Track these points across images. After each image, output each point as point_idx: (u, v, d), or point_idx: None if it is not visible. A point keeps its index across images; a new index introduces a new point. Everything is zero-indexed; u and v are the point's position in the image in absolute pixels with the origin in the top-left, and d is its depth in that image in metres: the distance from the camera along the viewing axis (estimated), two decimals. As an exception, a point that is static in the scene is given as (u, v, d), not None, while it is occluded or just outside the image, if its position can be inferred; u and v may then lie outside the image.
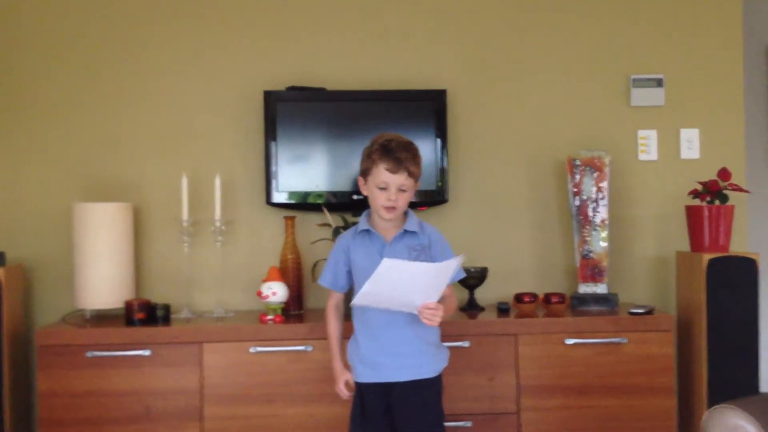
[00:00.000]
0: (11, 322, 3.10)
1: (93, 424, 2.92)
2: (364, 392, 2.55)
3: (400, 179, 2.49)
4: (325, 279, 2.66)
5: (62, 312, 3.31)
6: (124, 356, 2.93)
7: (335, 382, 2.64)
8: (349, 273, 2.62)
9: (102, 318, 3.20)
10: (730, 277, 3.09)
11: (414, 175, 2.52)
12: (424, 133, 3.32)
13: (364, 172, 2.56)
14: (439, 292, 2.42)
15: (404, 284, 2.36)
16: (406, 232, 2.56)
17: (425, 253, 2.55)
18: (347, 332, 2.65)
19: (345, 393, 2.62)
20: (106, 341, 2.93)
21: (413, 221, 2.58)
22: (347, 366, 2.63)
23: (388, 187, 2.49)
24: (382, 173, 2.49)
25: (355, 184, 3.25)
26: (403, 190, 2.51)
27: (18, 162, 3.41)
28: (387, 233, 2.57)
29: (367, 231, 2.57)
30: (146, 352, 2.93)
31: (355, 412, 2.57)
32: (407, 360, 2.50)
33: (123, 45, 3.44)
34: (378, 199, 2.51)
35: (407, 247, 2.55)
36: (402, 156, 2.49)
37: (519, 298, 3.19)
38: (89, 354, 2.92)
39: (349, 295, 2.67)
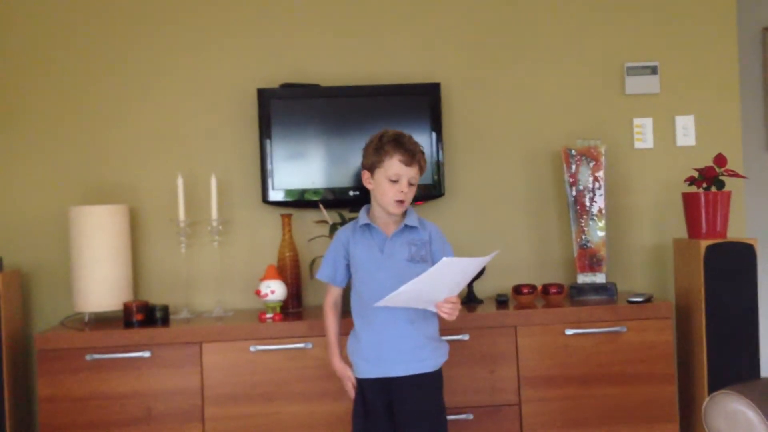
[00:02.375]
0: (10, 327, 3.09)
1: (94, 427, 2.92)
2: (365, 388, 2.56)
3: (412, 172, 2.52)
4: (323, 273, 2.65)
5: (61, 316, 3.32)
6: (123, 358, 2.93)
7: (342, 382, 2.65)
8: (348, 267, 2.62)
9: (101, 321, 3.20)
10: (728, 263, 3.09)
11: (422, 170, 2.56)
12: (419, 127, 3.32)
13: (372, 166, 2.55)
14: (463, 287, 2.46)
15: (444, 280, 2.38)
16: (406, 227, 2.56)
17: (425, 249, 2.56)
18: (347, 328, 2.65)
19: (353, 394, 2.62)
20: (106, 344, 2.93)
21: (413, 217, 2.58)
22: (346, 363, 2.63)
23: (400, 180, 2.50)
24: (395, 165, 2.50)
25: (352, 180, 3.28)
26: (412, 184, 2.53)
27: (13, 167, 3.40)
28: (387, 228, 2.57)
29: (368, 226, 2.57)
30: (146, 354, 2.93)
31: (357, 407, 2.58)
32: (407, 355, 2.51)
33: (115, 48, 3.43)
34: (388, 193, 2.51)
35: (408, 243, 2.55)
36: (415, 149, 2.53)
37: (518, 289, 3.19)
38: (89, 357, 2.91)
39: (347, 290, 2.67)
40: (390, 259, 2.53)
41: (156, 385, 2.93)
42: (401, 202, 2.51)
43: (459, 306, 2.46)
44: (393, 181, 2.50)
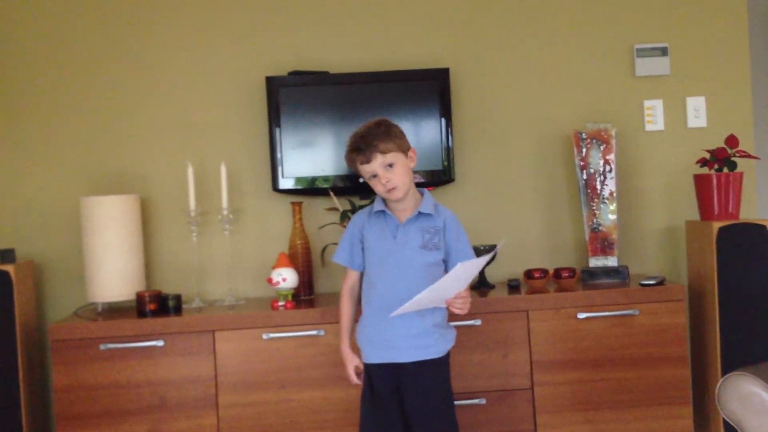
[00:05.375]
0: (24, 318, 3.11)
1: (109, 416, 2.94)
2: (372, 373, 2.57)
3: (377, 161, 2.48)
4: (340, 257, 2.65)
5: (74, 306, 3.33)
6: (137, 347, 2.94)
7: (345, 367, 2.65)
8: (364, 251, 2.62)
9: (114, 310, 3.22)
10: (741, 244, 3.07)
11: (388, 150, 2.48)
12: (428, 113, 3.31)
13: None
14: (471, 281, 2.45)
15: (457, 281, 2.38)
16: (420, 214, 2.55)
17: (438, 236, 2.55)
18: (358, 315, 2.66)
19: (354, 379, 2.63)
20: (119, 333, 2.94)
21: (428, 203, 2.57)
22: (356, 349, 2.64)
23: (375, 174, 2.50)
24: (361, 169, 2.52)
25: (361, 166, 3.28)
26: (390, 165, 2.49)
27: (24, 159, 3.41)
28: (401, 215, 2.57)
29: (383, 212, 2.58)
30: (159, 343, 2.94)
31: (365, 393, 2.59)
32: (414, 341, 2.51)
33: (123, 38, 3.43)
34: (376, 188, 2.53)
35: (420, 230, 2.54)
36: (364, 143, 2.48)
37: (529, 274, 3.19)
38: (103, 347, 2.93)
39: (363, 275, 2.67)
40: (402, 246, 2.53)
41: (169, 374, 2.95)
42: (391, 189, 2.50)
43: (469, 300, 2.47)
44: (373, 177, 2.51)
